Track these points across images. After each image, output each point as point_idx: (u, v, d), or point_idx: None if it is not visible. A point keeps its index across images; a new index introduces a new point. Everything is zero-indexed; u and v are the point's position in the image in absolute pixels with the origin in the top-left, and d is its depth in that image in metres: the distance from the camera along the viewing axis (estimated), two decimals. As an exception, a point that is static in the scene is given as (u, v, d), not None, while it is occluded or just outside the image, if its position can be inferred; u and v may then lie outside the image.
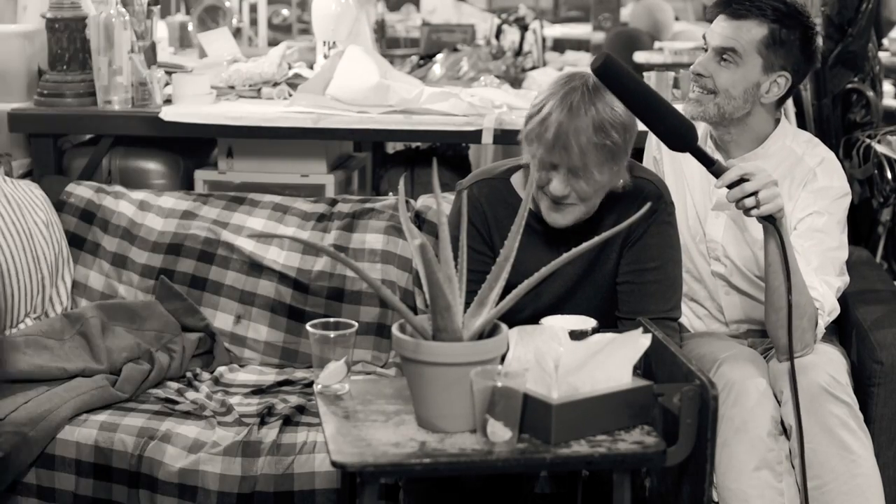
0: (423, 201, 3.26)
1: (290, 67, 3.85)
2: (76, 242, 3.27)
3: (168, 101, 3.58)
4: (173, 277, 3.17)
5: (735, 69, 2.64)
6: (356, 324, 2.22)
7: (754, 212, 2.41)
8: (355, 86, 3.51)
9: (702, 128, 2.74)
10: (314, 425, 2.64)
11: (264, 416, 2.69)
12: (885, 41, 5.20)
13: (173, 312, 3.10)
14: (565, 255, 2.12)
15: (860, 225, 3.71)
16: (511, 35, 5.82)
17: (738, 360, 2.55)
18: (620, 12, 6.84)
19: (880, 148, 3.52)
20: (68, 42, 3.53)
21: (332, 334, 2.18)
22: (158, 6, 3.86)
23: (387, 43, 6.43)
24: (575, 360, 2.03)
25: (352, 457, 1.95)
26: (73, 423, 2.66)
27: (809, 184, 2.69)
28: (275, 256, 3.16)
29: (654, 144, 2.92)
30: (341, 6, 3.92)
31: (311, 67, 3.99)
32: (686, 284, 2.79)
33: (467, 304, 2.08)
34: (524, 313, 2.44)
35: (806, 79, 3.62)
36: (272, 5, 6.23)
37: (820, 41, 2.74)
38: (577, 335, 2.17)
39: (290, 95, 3.66)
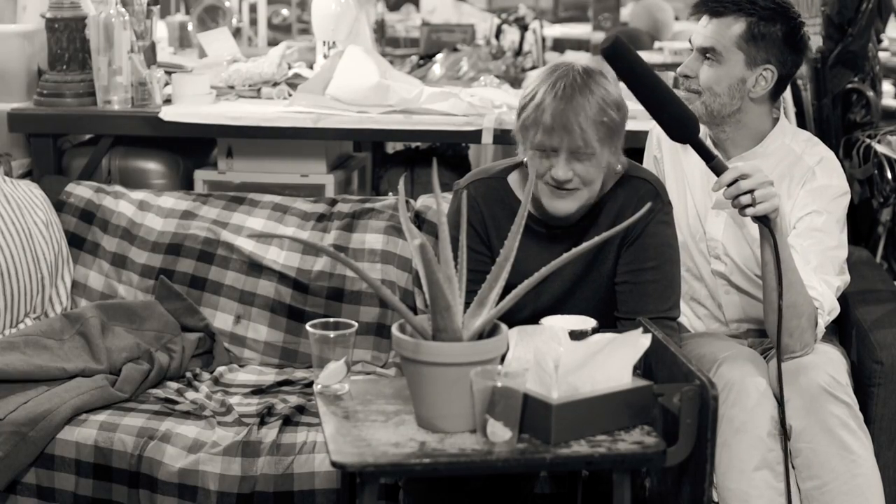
0: (422, 201, 3.26)
1: (289, 67, 3.85)
2: (76, 242, 3.27)
3: (168, 101, 3.58)
4: (173, 277, 3.17)
5: (718, 67, 2.66)
6: (356, 324, 2.22)
7: (749, 210, 2.41)
8: (355, 86, 3.51)
9: (701, 128, 2.74)
10: (314, 425, 2.64)
11: (264, 416, 2.68)
12: (885, 41, 5.20)
13: (173, 312, 3.10)
14: (565, 256, 2.12)
15: (860, 225, 3.71)
16: (511, 35, 5.82)
17: (737, 360, 2.55)
18: (620, 12, 6.83)
19: (880, 148, 3.52)
20: (68, 42, 3.52)
21: (331, 334, 2.18)
22: (158, 6, 3.86)
23: (386, 43, 6.43)
24: (575, 360, 2.03)
25: (352, 457, 1.95)
26: (73, 423, 2.66)
27: (808, 183, 2.69)
28: (274, 256, 3.16)
29: (654, 143, 2.92)
30: (341, 6, 3.91)
31: (310, 67, 3.99)
32: (686, 283, 2.79)
33: (467, 305, 2.08)
34: (524, 313, 2.44)
35: (806, 78, 3.64)
36: (272, 5, 6.22)
37: (807, 32, 2.75)
38: (576, 335, 2.17)
39: (290, 95, 3.66)
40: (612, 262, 2.57)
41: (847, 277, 2.70)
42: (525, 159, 2.49)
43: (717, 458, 2.42)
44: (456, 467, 1.98)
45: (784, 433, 2.48)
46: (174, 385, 2.89)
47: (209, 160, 3.76)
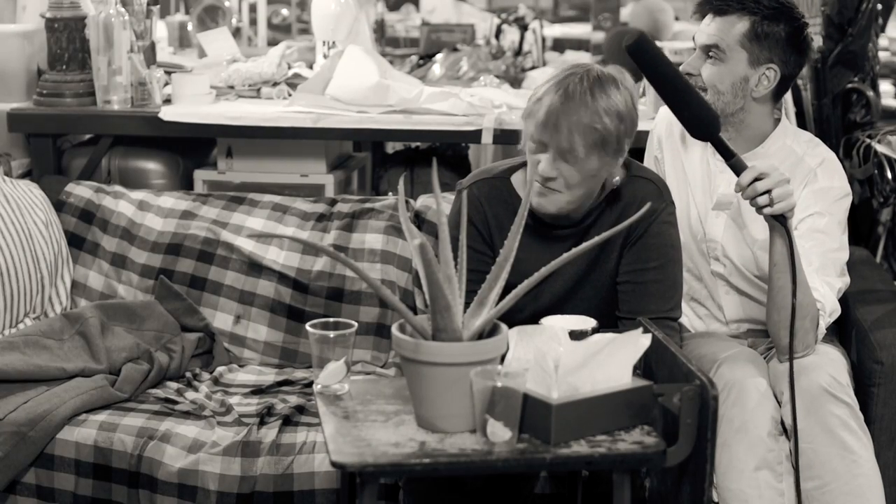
0: (422, 201, 3.25)
1: (289, 67, 3.85)
2: (75, 242, 3.26)
3: (167, 101, 3.58)
4: (173, 277, 3.17)
5: (721, 65, 2.66)
6: (356, 324, 2.22)
7: (767, 210, 2.41)
8: (355, 85, 3.51)
9: None
10: (314, 425, 2.64)
11: (264, 416, 2.68)
12: (885, 41, 5.20)
13: (173, 312, 3.10)
14: (565, 255, 2.12)
15: (860, 225, 3.71)
16: (511, 35, 5.82)
17: (738, 361, 2.55)
18: (620, 12, 6.83)
19: (880, 148, 3.52)
20: (67, 42, 3.52)
21: (331, 334, 2.18)
22: (158, 6, 3.86)
23: (386, 43, 6.43)
24: (575, 360, 2.03)
25: (351, 457, 1.94)
26: (73, 423, 2.66)
27: (810, 184, 2.69)
28: (274, 256, 3.16)
29: (655, 144, 2.92)
30: (341, 6, 3.91)
31: (310, 67, 3.99)
32: (687, 284, 2.79)
33: (467, 304, 2.08)
34: (524, 313, 2.44)
35: (806, 78, 3.64)
36: (272, 5, 6.22)
37: (810, 33, 2.75)
38: (577, 335, 2.17)
39: (290, 95, 3.65)
40: (615, 261, 2.57)
41: (847, 279, 2.70)
42: (526, 155, 2.50)
43: (717, 458, 2.42)
44: (456, 467, 1.98)
45: (795, 433, 2.47)
46: (174, 385, 2.89)
47: (209, 160, 3.76)
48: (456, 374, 1.99)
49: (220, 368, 3.02)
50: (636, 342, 2.10)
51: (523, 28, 5.74)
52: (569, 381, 2.02)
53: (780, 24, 2.66)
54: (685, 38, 6.40)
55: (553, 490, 2.60)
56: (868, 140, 3.59)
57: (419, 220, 3.19)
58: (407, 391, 2.10)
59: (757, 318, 2.78)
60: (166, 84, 3.64)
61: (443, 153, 3.98)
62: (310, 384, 2.87)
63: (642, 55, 2.40)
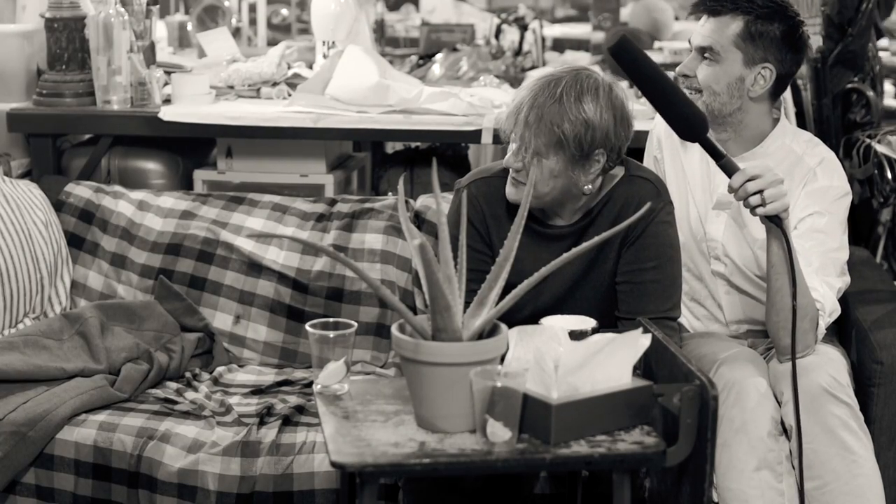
0: (422, 201, 3.25)
1: (289, 67, 3.84)
2: (75, 242, 3.26)
3: (167, 101, 3.58)
4: (172, 277, 3.17)
5: (716, 66, 2.66)
6: (355, 324, 2.22)
7: (760, 210, 2.41)
8: (354, 85, 3.51)
9: None
10: (313, 425, 2.63)
11: (263, 417, 2.68)
12: (885, 41, 5.19)
13: (172, 312, 3.10)
14: (565, 256, 2.11)
15: (860, 225, 3.71)
16: (510, 35, 5.82)
17: (737, 361, 2.55)
18: (620, 12, 6.83)
19: (880, 148, 3.51)
20: (67, 42, 3.52)
21: (331, 334, 2.18)
22: (157, 6, 3.86)
23: (386, 43, 6.43)
24: (575, 360, 2.03)
25: (351, 457, 1.94)
26: (72, 424, 2.66)
27: (810, 184, 2.69)
28: (274, 256, 3.16)
29: (654, 144, 2.92)
30: (341, 6, 3.91)
31: (310, 67, 3.99)
32: (687, 283, 2.79)
33: (467, 303, 2.08)
34: (523, 313, 2.44)
35: (806, 78, 3.64)
36: (271, 5, 6.22)
37: (807, 31, 2.75)
38: (576, 335, 2.17)
39: (290, 95, 3.65)
40: (613, 261, 2.57)
41: (847, 279, 2.70)
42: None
43: (717, 458, 2.42)
44: (455, 467, 1.98)
45: (798, 434, 2.48)
46: (173, 385, 2.89)
47: (208, 160, 3.76)
48: (456, 375, 1.99)
49: (219, 368, 3.02)
50: (636, 342, 2.10)
51: (523, 28, 5.74)
52: (569, 381, 2.02)
53: (773, 22, 2.65)
54: (685, 38, 6.39)
55: (553, 490, 2.60)
56: (868, 140, 3.58)
57: (419, 220, 3.19)
58: (407, 391, 2.10)
59: (757, 318, 2.78)
60: (166, 84, 3.64)
61: (443, 153, 3.98)
62: (309, 384, 2.87)
63: (624, 57, 2.39)
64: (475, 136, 3.40)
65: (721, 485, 2.48)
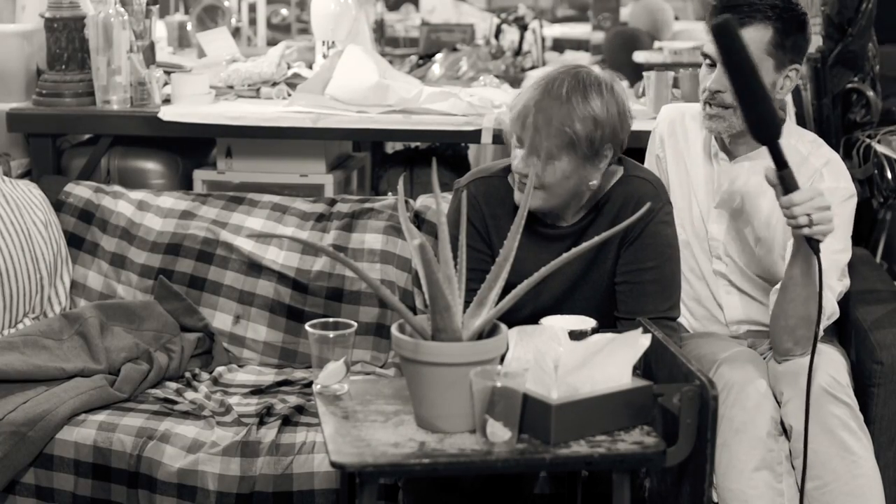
0: (422, 201, 3.25)
1: (289, 67, 3.84)
2: (75, 242, 3.26)
3: (167, 101, 3.58)
4: (172, 277, 3.17)
5: None
6: (355, 324, 2.21)
7: (805, 231, 2.39)
8: (354, 85, 3.51)
9: (708, 128, 2.75)
10: (313, 425, 2.63)
11: (263, 417, 2.68)
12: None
13: (172, 312, 3.10)
14: (564, 256, 2.11)
15: (860, 225, 3.70)
16: (510, 35, 5.83)
17: (737, 361, 2.55)
18: (620, 12, 6.83)
19: (880, 148, 3.52)
20: (67, 42, 3.52)
21: (331, 334, 2.18)
22: (157, 6, 3.86)
23: (386, 42, 6.43)
24: (574, 360, 2.03)
25: (351, 457, 1.94)
26: (72, 424, 2.66)
27: (816, 184, 2.68)
28: (274, 256, 3.16)
29: (657, 142, 2.92)
30: (340, 6, 3.91)
31: (310, 67, 3.99)
32: (688, 283, 2.79)
33: (467, 303, 2.07)
34: (523, 313, 2.44)
35: (806, 78, 3.64)
36: (271, 5, 6.23)
37: (811, 25, 2.75)
38: (576, 335, 2.17)
39: (289, 95, 3.65)
40: (612, 261, 2.57)
41: (847, 282, 2.70)
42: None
43: (717, 458, 2.42)
44: (455, 468, 1.97)
45: (806, 436, 2.48)
46: (173, 385, 2.89)
47: (208, 160, 3.76)
48: (455, 375, 1.99)
49: (219, 368, 3.02)
50: (636, 342, 2.10)
51: (523, 28, 5.75)
52: (568, 382, 2.02)
53: (795, 23, 2.65)
54: (685, 37, 6.41)
55: (553, 490, 2.60)
56: (868, 140, 3.59)
57: (419, 220, 3.19)
58: (406, 391, 2.10)
59: (756, 319, 2.78)
60: (165, 84, 3.64)
61: (442, 153, 3.98)
62: (309, 384, 2.87)
63: (725, 38, 2.30)
64: (475, 136, 3.40)
65: (721, 485, 2.48)
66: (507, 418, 1.96)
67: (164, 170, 3.60)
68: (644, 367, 2.25)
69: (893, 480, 2.62)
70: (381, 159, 4.10)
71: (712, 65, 2.67)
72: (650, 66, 4.84)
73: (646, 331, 2.20)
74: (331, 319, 2.22)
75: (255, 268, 3.16)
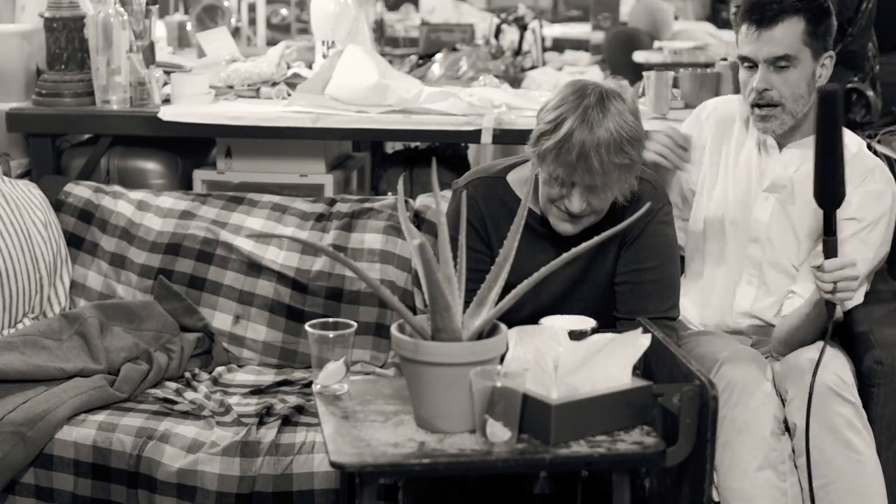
0: (421, 201, 3.25)
1: (288, 67, 3.84)
2: (74, 242, 3.26)
3: (166, 101, 3.58)
4: (172, 277, 3.17)
5: (794, 70, 2.66)
6: (355, 324, 2.21)
7: (827, 296, 2.49)
8: (354, 85, 3.51)
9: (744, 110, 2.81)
10: (313, 425, 2.63)
11: (263, 417, 2.68)
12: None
13: (172, 312, 3.10)
14: (564, 256, 2.11)
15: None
16: (510, 35, 5.82)
17: (740, 361, 2.55)
18: (620, 11, 6.83)
19: (880, 148, 3.51)
20: (66, 41, 3.52)
21: (330, 334, 2.18)
22: (157, 5, 3.85)
23: (386, 42, 6.43)
24: (574, 360, 2.03)
25: (351, 457, 1.94)
26: (72, 423, 2.66)
27: (868, 183, 2.70)
28: (273, 256, 3.16)
29: (706, 114, 2.90)
30: (340, 6, 3.91)
31: (309, 67, 3.99)
32: (706, 271, 2.82)
33: (466, 304, 2.07)
34: (523, 313, 2.43)
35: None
36: (271, 5, 6.22)
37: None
38: (576, 335, 2.17)
39: (289, 95, 3.65)
40: (612, 261, 2.57)
41: (865, 288, 2.77)
42: (531, 168, 2.47)
43: (720, 458, 2.42)
44: (455, 468, 1.97)
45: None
46: (173, 385, 2.89)
47: (208, 160, 3.76)
48: (455, 375, 1.98)
49: (219, 368, 3.02)
50: (636, 342, 2.10)
51: (523, 28, 5.75)
52: (568, 382, 2.01)
53: (822, 10, 2.68)
54: (685, 37, 6.41)
55: (552, 490, 2.60)
56: (868, 140, 3.58)
57: (418, 219, 3.19)
58: (406, 391, 2.10)
59: (763, 316, 2.77)
60: (165, 84, 3.64)
61: (442, 153, 3.98)
62: (309, 384, 2.87)
63: (830, 105, 2.43)
64: (475, 135, 3.39)
65: (724, 484, 2.48)
66: (506, 418, 1.96)
67: (164, 170, 3.60)
68: (644, 367, 2.24)
69: (894, 480, 2.62)
70: (380, 159, 4.10)
71: (751, 66, 2.69)
72: (650, 66, 4.83)
73: (646, 331, 2.20)
74: (330, 319, 2.22)
75: (254, 268, 3.15)
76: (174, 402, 2.77)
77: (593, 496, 2.48)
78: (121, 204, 3.30)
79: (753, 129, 2.80)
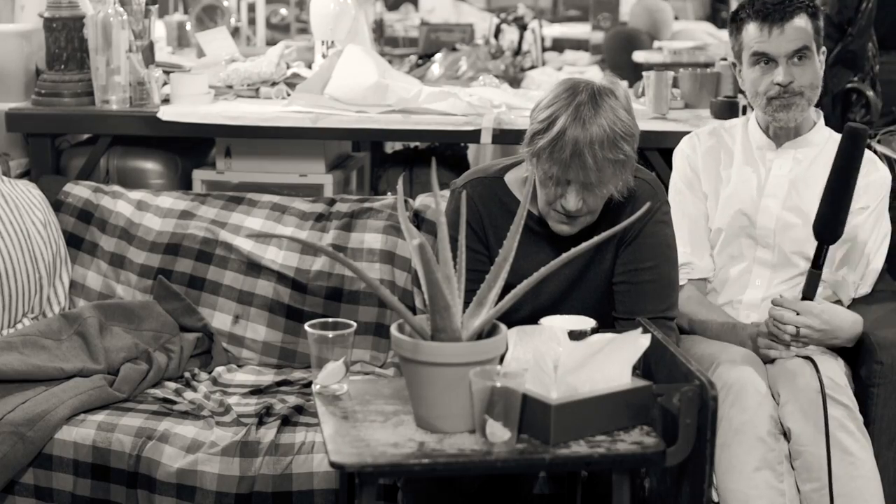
0: (421, 201, 3.25)
1: (288, 67, 3.84)
2: (74, 242, 3.26)
3: (166, 101, 3.58)
4: (171, 277, 3.17)
5: (810, 62, 2.73)
6: (354, 324, 2.21)
7: (786, 344, 2.60)
8: (354, 85, 3.51)
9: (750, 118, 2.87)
10: (312, 425, 2.63)
11: (262, 417, 2.68)
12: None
13: (171, 312, 3.10)
14: (563, 256, 2.11)
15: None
16: (510, 34, 5.83)
17: (736, 361, 2.55)
18: (619, 11, 6.83)
19: (880, 148, 3.51)
20: (66, 41, 3.52)
21: (330, 334, 2.18)
22: (156, 5, 3.85)
23: (385, 42, 6.44)
24: (574, 360, 2.03)
25: (350, 457, 1.94)
26: (71, 423, 2.66)
27: (871, 173, 2.78)
28: (273, 256, 3.16)
29: (688, 170, 2.91)
30: (340, 5, 3.91)
31: (309, 67, 3.99)
32: (721, 270, 2.83)
33: (466, 304, 2.07)
34: (522, 313, 2.43)
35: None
36: (270, 4, 6.23)
37: None
38: (576, 335, 2.17)
39: (289, 95, 3.65)
40: (610, 261, 2.57)
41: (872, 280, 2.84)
42: (527, 168, 2.47)
43: (718, 458, 2.42)
44: (455, 468, 1.97)
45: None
46: (172, 385, 2.89)
47: (207, 160, 3.76)
48: (455, 375, 1.98)
49: (218, 368, 3.02)
50: (635, 342, 2.10)
51: (522, 28, 5.75)
52: (568, 382, 2.01)
53: (816, 8, 2.76)
54: (684, 37, 6.41)
55: (552, 490, 2.60)
56: (868, 140, 3.59)
57: (418, 219, 3.19)
58: (406, 391, 2.10)
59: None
60: (165, 84, 3.64)
61: (442, 153, 3.98)
62: (308, 384, 2.87)
63: (851, 145, 2.54)
64: (474, 135, 3.39)
65: (721, 485, 2.48)
66: (506, 418, 1.95)
67: (164, 170, 3.60)
68: (643, 367, 2.24)
69: (893, 480, 2.62)
70: (380, 159, 4.10)
71: (768, 62, 2.73)
72: (650, 66, 4.84)
73: (645, 331, 2.19)
74: (330, 319, 2.22)
75: (254, 268, 3.15)
76: (173, 402, 2.77)
77: (593, 496, 2.48)
78: (120, 204, 3.30)
79: (746, 144, 2.82)
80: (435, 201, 2.11)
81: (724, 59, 3.74)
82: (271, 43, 5.23)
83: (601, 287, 2.58)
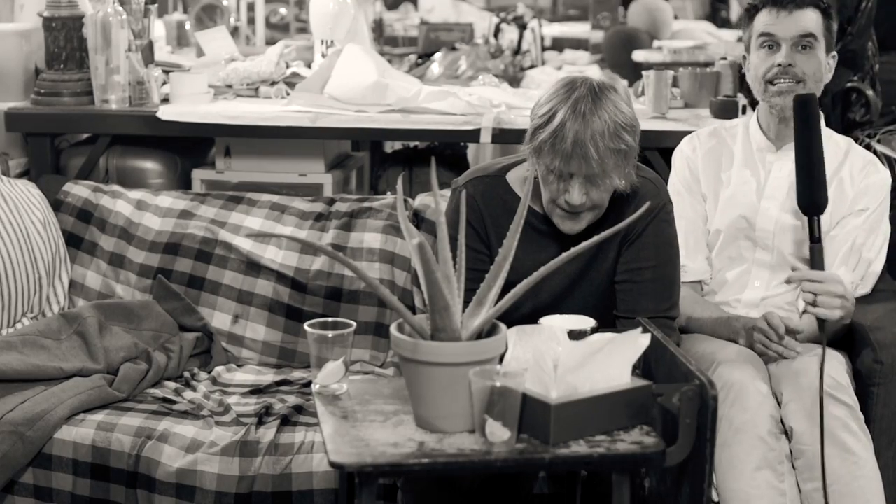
0: (421, 200, 3.25)
1: (287, 66, 3.84)
2: (73, 242, 3.26)
3: (165, 100, 3.58)
4: (171, 277, 3.17)
5: (814, 52, 2.73)
6: (354, 323, 2.21)
7: (809, 308, 2.53)
8: (353, 85, 3.51)
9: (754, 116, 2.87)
10: (312, 425, 2.63)
11: (262, 416, 2.68)
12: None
13: (171, 312, 3.10)
14: (564, 255, 2.11)
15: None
16: (509, 34, 5.82)
17: (737, 361, 2.55)
18: (619, 11, 6.83)
19: (880, 147, 3.52)
20: (65, 41, 3.52)
21: (330, 334, 2.18)
22: (156, 5, 3.85)
23: (385, 42, 6.43)
24: (574, 359, 2.02)
25: (350, 457, 1.94)
26: (71, 423, 2.65)
27: (871, 175, 2.79)
28: (273, 256, 3.16)
29: (687, 172, 2.91)
30: (339, 5, 3.91)
31: (308, 66, 3.99)
32: (720, 273, 2.82)
33: (466, 303, 2.07)
34: (522, 312, 2.43)
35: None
36: (270, 4, 6.23)
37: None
38: (576, 335, 2.17)
39: (288, 94, 3.65)
40: (612, 260, 2.56)
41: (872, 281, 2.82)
42: (529, 167, 2.47)
43: (718, 458, 2.42)
44: (454, 467, 1.97)
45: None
46: (172, 385, 2.89)
47: (207, 159, 3.76)
48: (454, 374, 1.98)
49: (218, 368, 3.02)
50: (635, 342, 2.10)
51: (522, 27, 5.74)
52: (568, 381, 2.01)
53: (831, 11, 2.76)
54: (684, 36, 6.41)
55: (552, 490, 2.60)
56: (868, 139, 3.59)
57: (418, 219, 3.19)
58: (405, 391, 2.10)
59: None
60: (164, 83, 3.63)
61: (441, 152, 3.98)
62: (308, 384, 2.87)
63: (807, 113, 2.53)
64: (474, 135, 3.39)
65: (722, 485, 2.48)
66: (506, 418, 1.95)
67: (163, 169, 3.60)
68: (643, 366, 2.24)
69: (894, 480, 2.62)
70: (380, 158, 4.10)
71: (772, 46, 2.74)
72: (649, 66, 4.83)
73: (645, 330, 2.19)
74: (329, 319, 2.22)
75: (253, 267, 3.15)
76: (173, 402, 2.77)
77: (593, 496, 2.48)
78: (120, 203, 3.29)
79: (746, 145, 2.82)
80: (435, 201, 2.11)
81: (724, 59, 3.73)
82: (271, 42, 5.23)
83: (603, 286, 2.58)
